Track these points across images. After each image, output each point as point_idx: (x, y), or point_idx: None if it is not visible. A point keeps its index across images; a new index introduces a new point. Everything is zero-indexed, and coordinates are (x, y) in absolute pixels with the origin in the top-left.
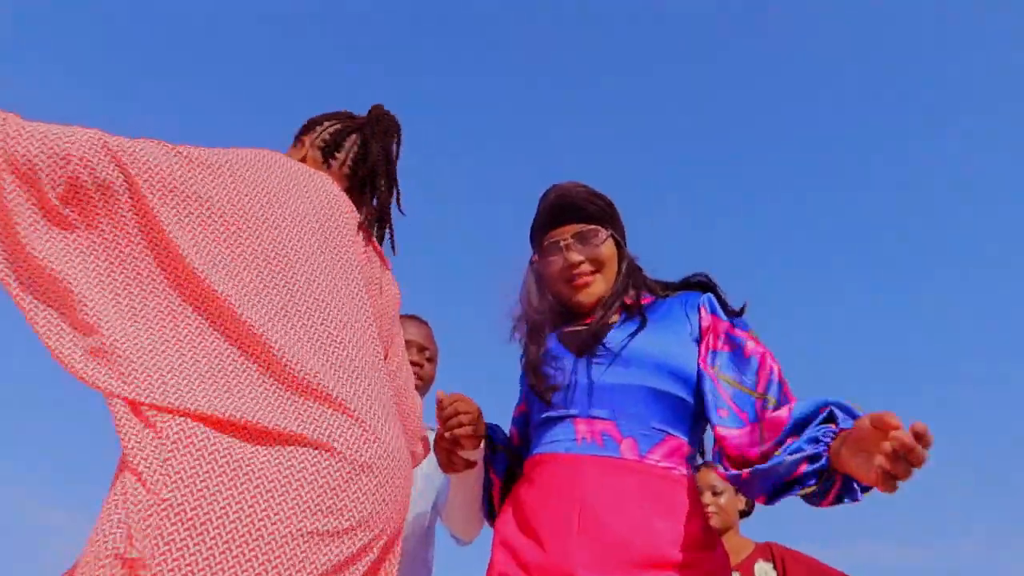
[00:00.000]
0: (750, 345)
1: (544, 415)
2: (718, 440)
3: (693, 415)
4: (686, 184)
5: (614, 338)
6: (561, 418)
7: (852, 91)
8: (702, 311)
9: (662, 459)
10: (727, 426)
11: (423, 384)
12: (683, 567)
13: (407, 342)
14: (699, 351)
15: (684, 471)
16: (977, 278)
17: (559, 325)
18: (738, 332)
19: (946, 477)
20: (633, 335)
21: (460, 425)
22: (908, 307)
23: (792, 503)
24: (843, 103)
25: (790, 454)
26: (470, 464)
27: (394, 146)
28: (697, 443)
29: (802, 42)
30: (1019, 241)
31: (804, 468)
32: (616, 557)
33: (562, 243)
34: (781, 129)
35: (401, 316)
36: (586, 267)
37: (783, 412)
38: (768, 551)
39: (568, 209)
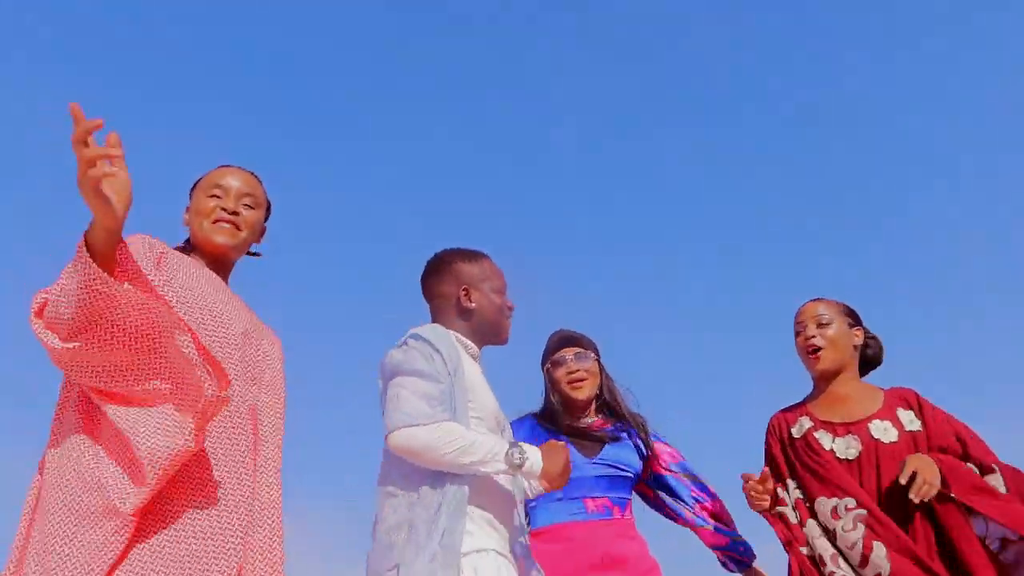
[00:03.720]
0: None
1: (557, 498)
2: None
3: (633, 485)
4: None
5: (604, 450)
6: (573, 498)
7: None
8: (655, 444)
9: (627, 514)
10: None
11: None
12: (651, 569)
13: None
14: (650, 461)
15: (632, 517)
16: None
17: (561, 422)
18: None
19: None
20: (609, 446)
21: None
22: None
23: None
24: None
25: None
26: None
27: None
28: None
29: None
30: None
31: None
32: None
33: (567, 357)
34: None
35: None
36: (580, 373)
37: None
38: (903, 399)
39: (572, 341)
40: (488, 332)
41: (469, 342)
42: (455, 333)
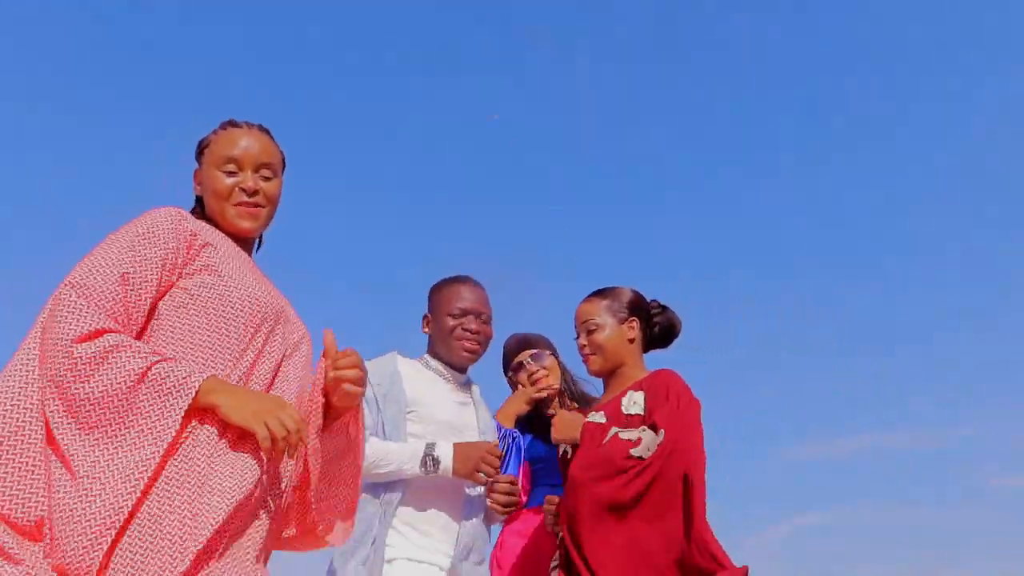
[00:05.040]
0: None
1: (551, 484)
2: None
3: None
4: None
5: None
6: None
7: None
8: None
9: None
10: None
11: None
12: None
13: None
14: None
15: None
16: None
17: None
18: None
19: None
20: None
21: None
22: None
23: None
24: None
25: None
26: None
27: None
28: None
29: None
30: None
31: None
32: None
33: (526, 361)
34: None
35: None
36: (541, 372)
37: None
38: (642, 383)
39: (526, 344)
40: (442, 354)
41: (436, 362)
42: (424, 357)
